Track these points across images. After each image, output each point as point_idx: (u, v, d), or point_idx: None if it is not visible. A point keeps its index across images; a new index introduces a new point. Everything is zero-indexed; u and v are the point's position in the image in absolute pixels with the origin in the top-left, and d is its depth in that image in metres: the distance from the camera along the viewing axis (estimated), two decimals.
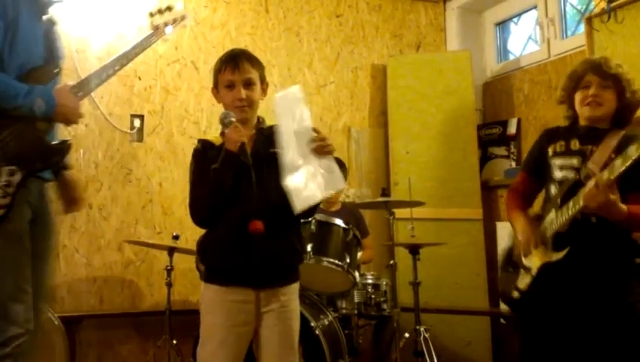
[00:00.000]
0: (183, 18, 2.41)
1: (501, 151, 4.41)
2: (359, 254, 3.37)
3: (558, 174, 2.25)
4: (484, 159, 4.49)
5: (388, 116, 4.52)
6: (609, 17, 3.41)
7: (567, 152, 2.25)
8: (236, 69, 2.01)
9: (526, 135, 4.26)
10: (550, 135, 2.39)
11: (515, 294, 2.28)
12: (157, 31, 2.37)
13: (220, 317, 1.94)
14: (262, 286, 1.94)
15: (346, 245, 3.15)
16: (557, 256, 2.13)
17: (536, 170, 2.39)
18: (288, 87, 1.98)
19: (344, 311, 3.38)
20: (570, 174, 2.20)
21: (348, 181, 4.31)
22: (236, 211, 1.94)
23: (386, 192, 3.49)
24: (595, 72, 2.24)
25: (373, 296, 3.41)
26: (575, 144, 2.25)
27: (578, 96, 2.29)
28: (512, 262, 2.37)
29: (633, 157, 1.89)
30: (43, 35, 2.12)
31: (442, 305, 3.98)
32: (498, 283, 2.50)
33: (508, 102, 4.48)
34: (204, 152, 2.04)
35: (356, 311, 3.39)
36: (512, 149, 4.34)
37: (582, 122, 2.30)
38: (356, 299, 3.40)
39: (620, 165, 1.93)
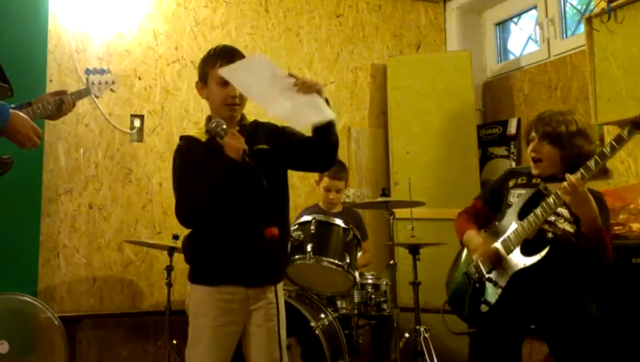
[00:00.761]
0: (113, 82, 2.71)
1: (501, 151, 4.41)
2: (358, 256, 3.38)
3: (513, 200, 2.35)
4: (484, 159, 4.48)
5: (388, 116, 4.52)
6: (609, 17, 3.40)
7: (528, 185, 2.35)
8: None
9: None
10: (513, 172, 2.50)
11: (484, 308, 2.30)
12: (92, 86, 2.63)
13: (209, 317, 1.94)
14: (252, 285, 1.95)
15: (346, 245, 3.15)
16: (531, 259, 2.18)
17: (492, 200, 2.50)
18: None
19: (344, 311, 3.37)
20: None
21: (348, 181, 4.30)
22: (241, 215, 1.93)
23: (386, 192, 3.49)
24: (535, 128, 2.33)
25: (373, 296, 3.40)
26: (536, 180, 2.35)
27: (527, 150, 2.39)
28: (474, 279, 2.38)
29: (609, 156, 2.05)
30: None
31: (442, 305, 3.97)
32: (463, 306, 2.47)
33: (508, 102, 4.48)
34: (190, 150, 2.02)
35: (356, 311, 3.39)
36: (512, 149, 4.34)
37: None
38: (356, 299, 3.39)
39: (593, 165, 2.05)
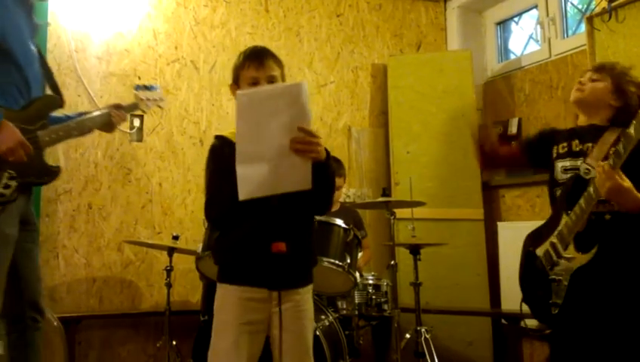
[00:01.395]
0: (161, 100, 2.78)
1: None
2: (358, 256, 3.37)
3: (562, 176, 2.26)
4: None
5: (388, 116, 4.51)
6: (610, 17, 3.40)
7: (569, 153, 2.26)
8: (261, 66, 2.00)
9: (526, 135, 4.24)
10: (553, 133, 2.40)
11: (554, 310, 2.20)
12: (140, 102, 2.71)
13: (232, 314, 1.92)
14: (276, 287, 1.93)
15: (346, 245, 3.13)
16: (586, 257, 2.09)
17: (531, 147, 2.42)
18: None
19: (345, 311, 3.36)
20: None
21: (348, 181, 4.29)
22: (257, 224, 1.91)
23: (386, 192, 3.48)
24: (593, 67, 2.30)
25: (373, 297, 3.39)
26: (576, 145, 2.26)
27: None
28: (536, 281, 2.30)
29: (635, 138, 1.91)
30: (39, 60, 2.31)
31: (443, 306, 3.96)
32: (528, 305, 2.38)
33: (509, 101, 4.46)
34: (221, 150, 2.00)
35: (357, 312, 3.37)
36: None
37: (580, 119, 2.32)
38: (357, 300, 3.38)
39: (622, 148, 1.95)
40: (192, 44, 4.20)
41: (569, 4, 4.22)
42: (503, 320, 3.99)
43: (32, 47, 2.27)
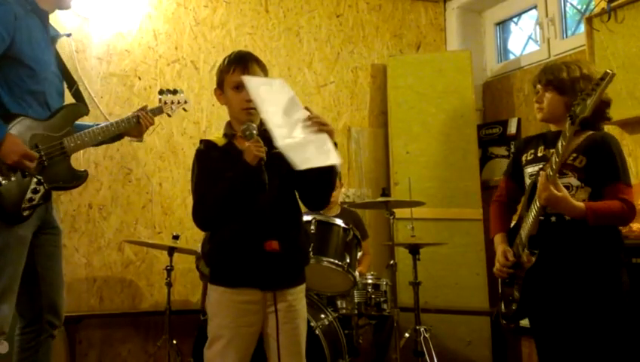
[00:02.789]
0: (185, 102, 2.85)
1: (501, 151, 4.41)
2: (360, 267, 3.38)
3: (528, 182, 2.32)
4: (484, 159, 4.49)
5: (388, 116, 4.52)
6: (609, 17, 3.40)
7: (535, 160, 2.33)
8: (246, 70, 2.00)
9: (526, 135, 4.25)
10: (524, 143, 2.47)
11: (514, 306, 2.31)
12: (165, 105, 2.78)
13: (227, 318, 1.94)
14: (269, 288, 1.94)
15: (346, 245, 3.15)
16: (529, 263, 2.19)
17: (515, 174, 2.46)
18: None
19: (344, 311, 3.37)
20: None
21: (348, 181, 4.31)
22: (249, 223, 1.93)
23: (386, 192, 3.49)
24: (539, 79, 2.31)
25: (373, 296, 3.40)
26: (541, 150, 2.32)
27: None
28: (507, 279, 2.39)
29: (561, 152, 2.00)
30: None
31: (442, 305, 3.98)
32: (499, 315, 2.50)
33: (508, 101, 4.48)
34: (209, 154, 2.03)
35: (356, 311, 3.39)
36: (513, 149, 4.34)
37: (552, 127, 2.38)
38: (356, 299, 3.39)
39: (553, 161, 2.02)
40: (192, 45, 4.21)
41: (568, 5, 4.23)
42: (502, 320, 3.99)
43: (48, 55, 2.33)
